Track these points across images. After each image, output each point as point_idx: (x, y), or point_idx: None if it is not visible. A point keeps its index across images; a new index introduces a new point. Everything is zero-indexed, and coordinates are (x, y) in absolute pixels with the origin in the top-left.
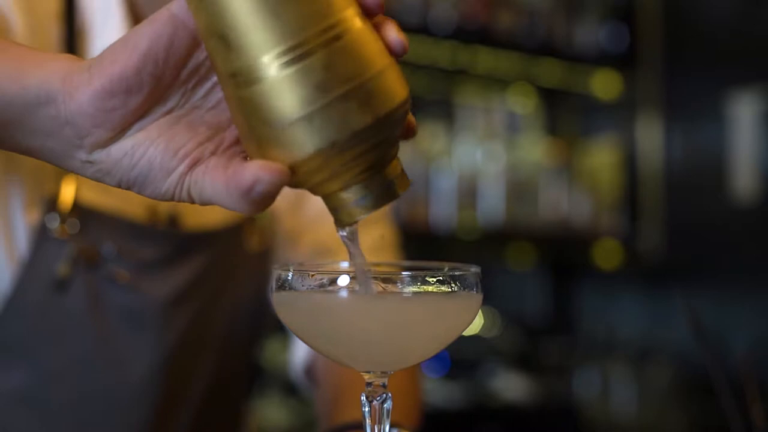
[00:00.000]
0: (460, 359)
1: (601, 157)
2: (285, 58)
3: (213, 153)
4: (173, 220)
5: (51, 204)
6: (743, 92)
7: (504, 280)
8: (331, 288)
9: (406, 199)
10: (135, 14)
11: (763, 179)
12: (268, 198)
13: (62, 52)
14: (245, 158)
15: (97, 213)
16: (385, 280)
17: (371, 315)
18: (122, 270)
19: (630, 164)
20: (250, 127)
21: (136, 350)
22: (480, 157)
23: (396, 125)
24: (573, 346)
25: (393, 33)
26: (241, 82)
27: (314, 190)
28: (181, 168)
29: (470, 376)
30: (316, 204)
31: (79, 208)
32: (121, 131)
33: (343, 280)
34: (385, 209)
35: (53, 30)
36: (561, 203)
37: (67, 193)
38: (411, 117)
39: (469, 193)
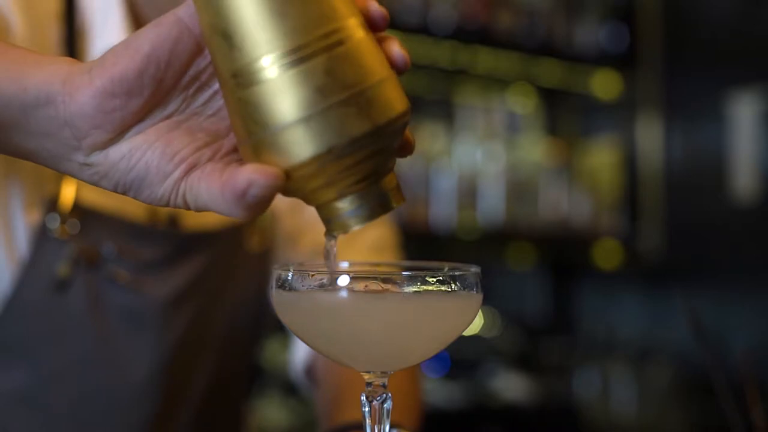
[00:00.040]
0: (460, 359)
1: (601, 157)
2: (287, 60)
3: (210, 159)
4: (173, 221)
5: (51, 204)
6: (743, 92)
7: (504, 280)
8: (331, 288)
9: (407, 199)
10: (135, 14)
11: (763, 179)
12: (262, 202)
13: (62, 52)
14: (242, 165)
15: (98, 213)
16: (385, 280)
17: (371, 315)
18: (122, 270)
19: (630, 164)
20: (248, 130)
21: (136, 350)
22: (480, 157)
23: (394, 136)
24: (573, 346)
25: (395, 47)
26: (241, 82)
27: (308, 199)
28: (177, 173)
29: (470, 376)
30: None
31: (79, 209)
32: (119, 133)
33: (343, 280)
34: None
35: (53, 30)
36: (561, 203)
37: (68, 193)
38: (409, 134)
39: (469, 193)
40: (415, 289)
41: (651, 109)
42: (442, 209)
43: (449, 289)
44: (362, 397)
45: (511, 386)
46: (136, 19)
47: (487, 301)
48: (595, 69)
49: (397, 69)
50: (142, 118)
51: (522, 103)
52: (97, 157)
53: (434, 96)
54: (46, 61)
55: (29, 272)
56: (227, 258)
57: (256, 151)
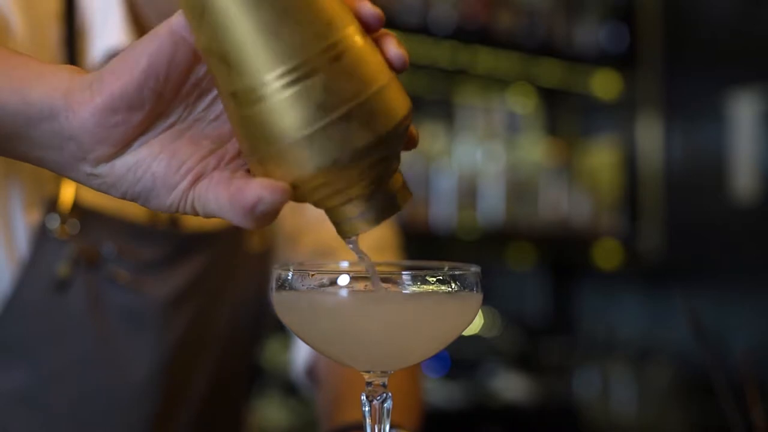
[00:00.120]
0: (460, 359)
1: (601, 157)
2: (286, 79)
3: (216, 167)
4: (174, 221)
5: (51, 204)
6: (743, 92)
7: (504, 280)
8: (331, 288)
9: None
10: (135, 14)
11: (763, 179)
12: (271, 215)
13: (62, 52)
14: (248, 171)
15: (98, 213)
16: (385, 280)
17: (371, 315)
18: (122, 270)
19: (630, 164)
20: (252, 145)
21: (136, 350)
22: (480, 157)
23: (398, 141)
24: (573, 346)
25: (393, 47)
26: (242, 101)
27: (317, 204)
28: (184, 184)
29: (470, 376)
30: None
31: (79, 209)
32: (123, 147)
33: (343, 280)
34: None
35: (53, 30)
36: (561, 203)
37: (67, 193)
38: (412, 128)
39: (469, 193)
40: (415, 288)
41: (651, 109)
42: (442, 209)
43: (449, 289)
44: (362, 397)
45: (511, 386)
46: (136, 19)
47: (487, 301)
48: (595, 69)
49: (396, 69)
50: (145, 130)
51: (522, 103)
52: (104, 169)
53: (434, 96)
54: (48, 70)
55: (29, 272)
56: (227, 258)
57: (262, 164)
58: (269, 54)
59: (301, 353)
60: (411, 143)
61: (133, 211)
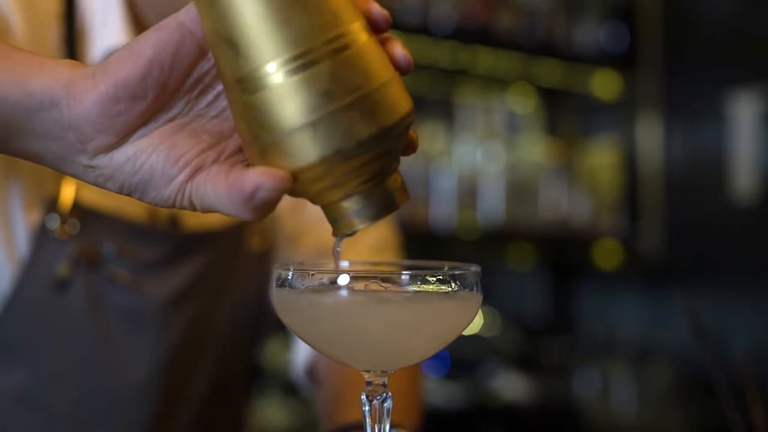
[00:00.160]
0: (460, 359)
1: (601, 157)
2: (292, 66)
3: (215, 161)
4: (174, 220)
5: (51, 204)
6: (743, 92)
7: (504, 280)
8: (331, 288)
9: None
10: (135, 14)
11: (763, 179)
12: (270, 204)
13: (62, 52)
14: (247, 166)
15: (98, 213)
16: (385, 280)
17: (371, 315)
18: (122, 270)
19: (630, 164)
20: (254, 134)
21: (136, 350)
22: (480, 157)
23: (399, 137)
24: (573, 346)
25: (398, 49)
26: (246, 88)
27: (315, 200)
28: (183, 176)
29: (470, 376)
30: None
31: (79, 209)
32: (124, 137)
33: (343, 280)
34: None
35: (53, 30)
36: (561, 203)
37: (67, 193)
38: (413, 133)
39: (469, 193)
40: (415, 288)
41: (651, 109)
42: (442, 209)
43: (449, 289)
44: (362, 396)
45: (511, 386)
46: (136, 19)
47: (487, 301)
48: (595, 69)
49: (401, 70)
50: (146, 121)
51: (522, 103)
52: (102, 160)
53: (434, 96)
54: (49, 64)
55: (29, 272)
56: (227, 258)
57: (263, 153)
58: (277, 39)
59: (301, 353)
60: (411, 148)
61: (133, 211)
